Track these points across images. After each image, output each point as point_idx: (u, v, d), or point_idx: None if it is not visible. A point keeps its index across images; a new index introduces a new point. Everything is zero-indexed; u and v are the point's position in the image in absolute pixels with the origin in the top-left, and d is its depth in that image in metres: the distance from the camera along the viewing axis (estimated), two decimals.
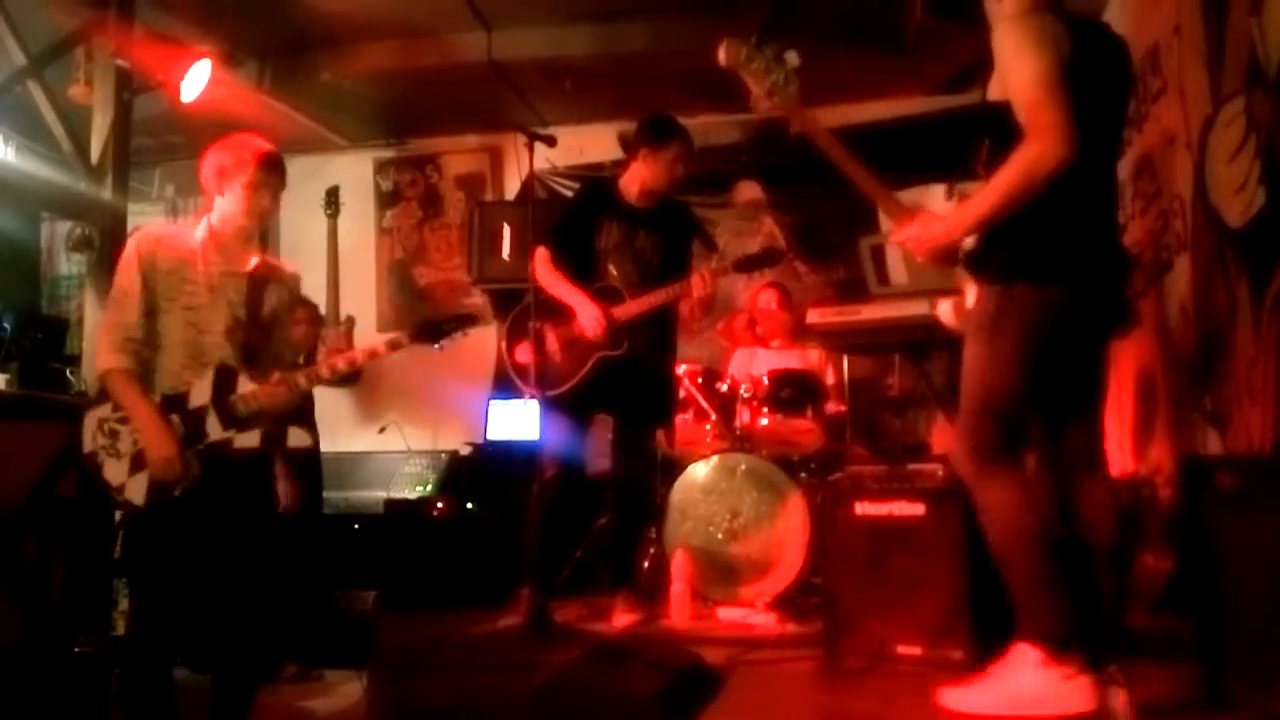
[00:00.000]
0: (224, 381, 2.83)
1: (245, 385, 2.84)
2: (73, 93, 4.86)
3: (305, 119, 6.31)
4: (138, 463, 2.77)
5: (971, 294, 2.57)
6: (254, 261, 2.96)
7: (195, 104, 4.86)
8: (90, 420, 2.81)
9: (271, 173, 2.94)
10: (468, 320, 3.08)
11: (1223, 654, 2.39)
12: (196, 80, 4.82)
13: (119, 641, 3.61)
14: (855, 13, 5.14)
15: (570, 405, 3.86)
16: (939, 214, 2.57)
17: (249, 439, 2.84)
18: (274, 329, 3.01)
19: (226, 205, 2.91)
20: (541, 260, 3.91)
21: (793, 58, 2.63)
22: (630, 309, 3.81)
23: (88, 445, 2.81)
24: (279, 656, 4.19)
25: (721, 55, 2.62)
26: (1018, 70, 2.35)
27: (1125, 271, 2.60)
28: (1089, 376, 2.55)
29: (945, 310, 2.92)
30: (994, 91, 2.43)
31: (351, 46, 5.77)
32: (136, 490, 2.77)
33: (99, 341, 2.86)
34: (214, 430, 2.81)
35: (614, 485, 4.06)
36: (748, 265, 3.98)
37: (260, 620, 3.02)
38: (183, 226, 3.02)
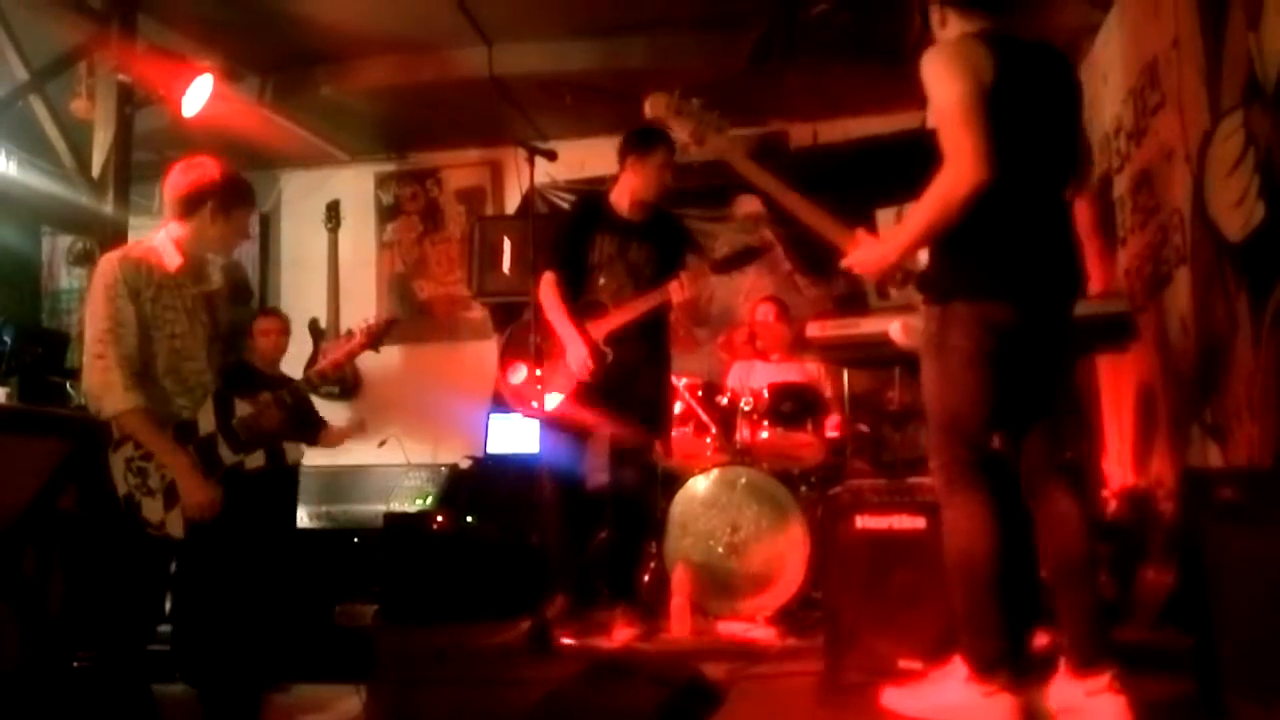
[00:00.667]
0: (224, 407, 2.90)
1: (242, 408, 2.91)
2: (74, 107, 4.87)
3: (306, 133, 6.32)
4: (170, 497, 2.81)
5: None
6: (218, 280, 2.99)
7: (197, 119, 4.89)
8: (117, 463, 2.82)
9: (244, 199, 2.96)
10: (393, 321, 3.45)
11: (1222, 667, 2.39)
12: (198, 95, 4.84)
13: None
14: (853, 26, 5.15)
15: (563, 420, 3.86)
16: (877, 238, 2.62)
17: (256, 459, 2.93)
18: (234, 343, 3.06)
19: (200, 231, 2.90)
20: (547, 284, 3.93)
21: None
22: (612, 321, 3.85)
23: (121, 489, 2.82)
24: (272, 671, 4.18)
25: (647, 109, 2.69)
26: (935, 97, 2.40)
27: (1072, 288, 2.56)
28: (1045, 391, 2.54)
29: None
30: (930, 118, 2.46)
31: (352, 61, 5.79)
32: (175, 525, 2.82)
33: (106, 379, 2.75)
34: (226, 456, 2.89)
35: (612, 499, 4.06)
36: (726, 265, 4.01)
37: (260, 634, 3.03)
38: (148, 246, 2.91)
